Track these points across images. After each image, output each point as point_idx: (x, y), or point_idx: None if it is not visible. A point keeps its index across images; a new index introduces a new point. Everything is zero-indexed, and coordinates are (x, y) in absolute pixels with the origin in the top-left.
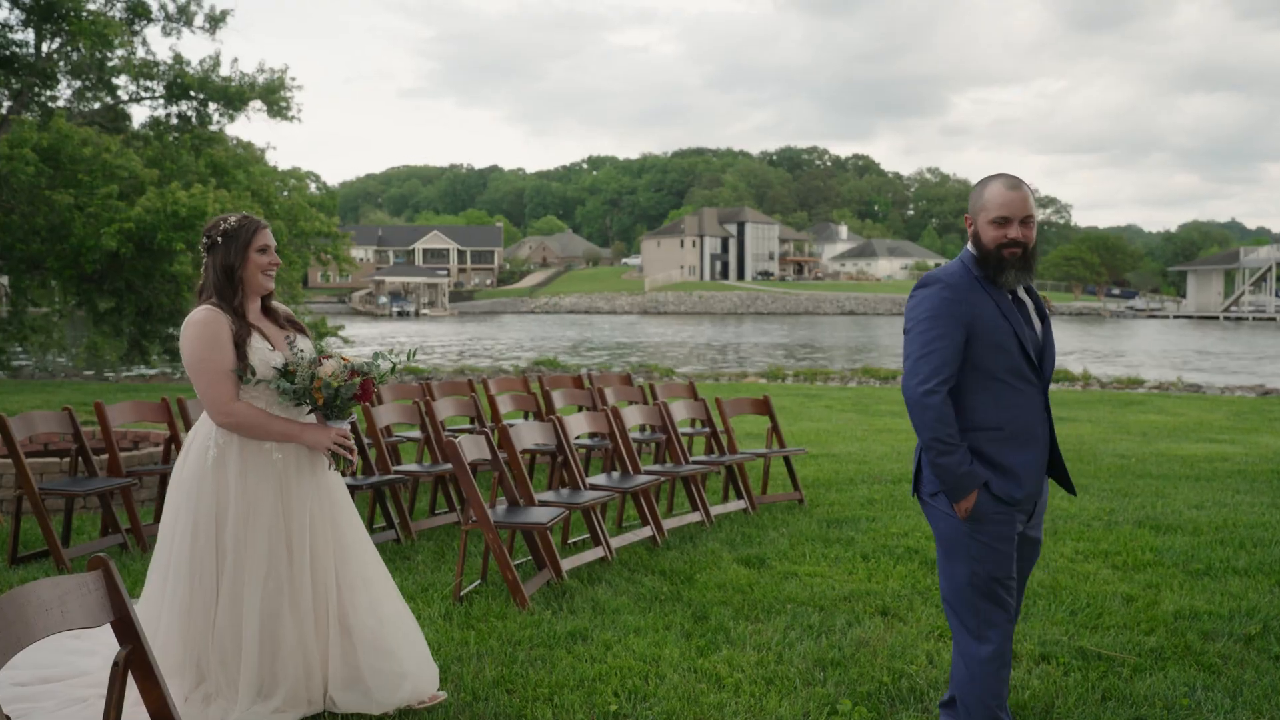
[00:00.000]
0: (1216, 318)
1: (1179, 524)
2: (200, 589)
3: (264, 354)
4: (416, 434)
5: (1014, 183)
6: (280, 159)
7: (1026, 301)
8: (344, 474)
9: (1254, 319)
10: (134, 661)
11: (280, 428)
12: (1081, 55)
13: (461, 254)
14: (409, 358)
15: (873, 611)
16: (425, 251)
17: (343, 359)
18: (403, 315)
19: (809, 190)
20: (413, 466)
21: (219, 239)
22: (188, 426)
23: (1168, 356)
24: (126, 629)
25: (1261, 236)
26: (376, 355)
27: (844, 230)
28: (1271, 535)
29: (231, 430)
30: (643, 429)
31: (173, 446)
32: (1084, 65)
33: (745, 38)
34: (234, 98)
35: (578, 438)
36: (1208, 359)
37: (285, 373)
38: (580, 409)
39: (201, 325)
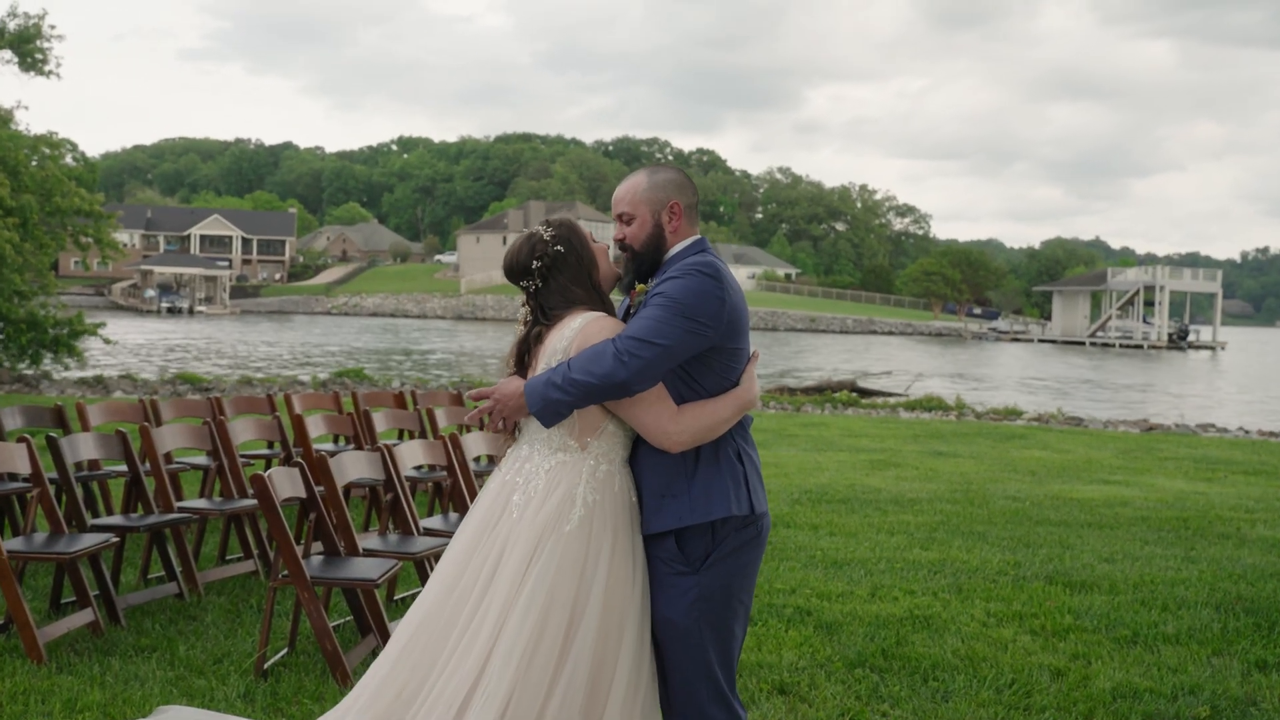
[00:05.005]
0: (1082, 343)
1: (1093, 580)
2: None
3: None
4: (203, 461)
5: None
6: (31, 123)
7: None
8: None
9: (1120, 345)
10: None
11: (729, 403)
12: (943, 54)
13: (247, 243)
14: None
15: (769, 689)
16: (203, 238)
17: None
18: (174, 312)
19: None
20: (200, 502)
21: (559, 249)
22: None
23: (1039, 384)
24: None
25: (1127, 257)
26: None
27: None
28: (1194, 595)
29: (688, 447)
30: (478, 460)
31: None
32: (945, 65)
33: (583, 14)
34: None
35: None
36: (1079, 388)
37: None
38: (405, 433)
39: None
